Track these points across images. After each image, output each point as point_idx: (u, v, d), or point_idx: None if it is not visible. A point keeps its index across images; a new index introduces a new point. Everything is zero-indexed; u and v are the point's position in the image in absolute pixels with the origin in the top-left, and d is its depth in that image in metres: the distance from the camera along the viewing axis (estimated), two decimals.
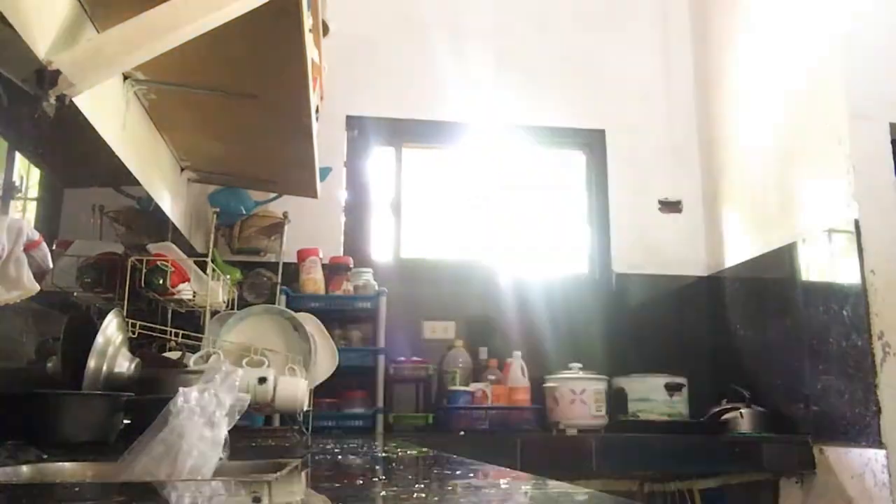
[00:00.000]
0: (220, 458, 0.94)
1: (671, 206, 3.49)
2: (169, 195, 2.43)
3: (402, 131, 3.43)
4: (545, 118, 3.48)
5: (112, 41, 1.34)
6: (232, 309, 2.28)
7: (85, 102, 1.55)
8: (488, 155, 3.52)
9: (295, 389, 1.71)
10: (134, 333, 1.59)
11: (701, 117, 3.55)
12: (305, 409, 1.77)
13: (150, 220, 2.26)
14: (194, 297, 2.02)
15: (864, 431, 2.38)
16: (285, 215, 2.82)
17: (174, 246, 2.08)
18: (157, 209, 2.28)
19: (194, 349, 1.83)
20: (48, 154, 1.47)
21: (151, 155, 2.24)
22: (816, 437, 2.60)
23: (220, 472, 0.94)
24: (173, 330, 1.82)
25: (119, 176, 1.93)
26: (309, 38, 1.76)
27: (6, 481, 0.92)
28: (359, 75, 3.31)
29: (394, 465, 1.25)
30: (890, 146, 2.54)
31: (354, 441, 1.96)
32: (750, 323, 3.09)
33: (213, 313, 2.07)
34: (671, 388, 2.95)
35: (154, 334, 1.75)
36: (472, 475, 0.98)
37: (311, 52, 1.83)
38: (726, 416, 2.81)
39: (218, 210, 2.49)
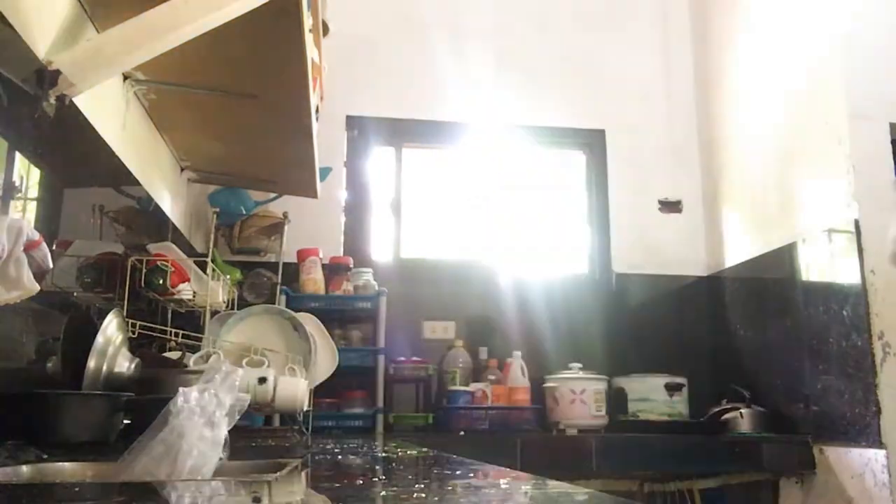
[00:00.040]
0: (220, 458, 0.94)
1: (671, 206, 3.49)
2: (169, 195, 2.43)
3: (402, 131, 3.43)
4: (545, 118, 3.48)
5: (112, 41, 1.34)
6: (232, 309, 2.28)
7: (85, 102, 1.55)
8: (488, 155, 3.52)
9: (295, 389, 1.71)
10: (134, 333, 1.59)
11: (701, 117, 3.55)
12: (305, 409, 1.77)
13: (150, 220, 2.26)
14: (194, 297, 2.02)
15: (864, 431, 2.38)
16: (285, 215, 2.82)
17: (174, 246, 2.08)
18: (157, 209, 2.28)
19: (194, 349, 1.83)
20: (48, 154, 1.47)
21: (151, 155, 2.24)
22: (816, 437, 2.60)
23: (220, 472, 0.94)
24: (173, 330, 1.82)
25: (119, 176, 1.93)
26: (309, 38, 1.76)
27: (6, 481, 0.92)
28: (359, 75, 3.31)
29: (394, 465, 1.25)
30: (890, 146, 2.54)
31: (354, 441, 1.96)
32: (750, 323, 3.09)
33: (213, 313, 2.07)
34: (671, 388, 2.95)
35: (154, 334, 1.75)
36: (472, 475, 0.97)
37: (311, 52, 1.83)
38: (726, 416, 2.81)
39: (218, 210, 2.50)
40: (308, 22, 1.73)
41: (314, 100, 2.07)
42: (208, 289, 2.06)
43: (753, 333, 3.06)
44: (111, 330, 1.41)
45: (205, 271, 2.11)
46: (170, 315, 2.06)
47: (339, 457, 1.38)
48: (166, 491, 0.80)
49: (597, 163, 3.51)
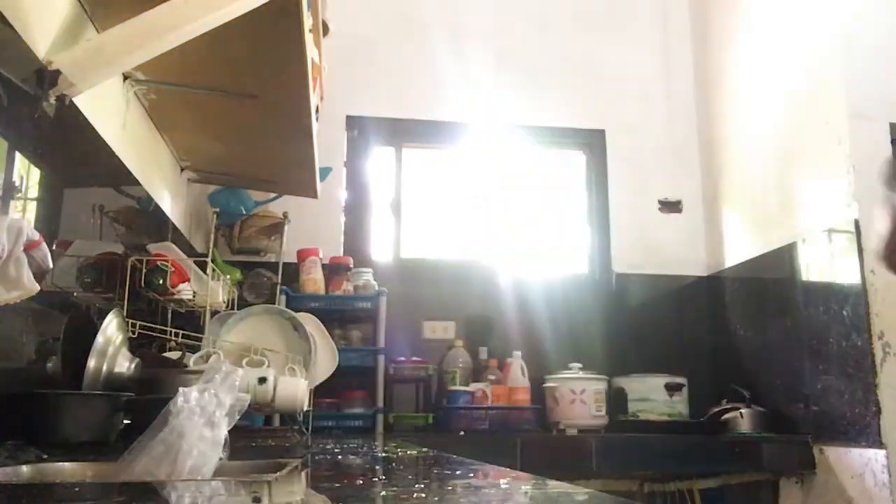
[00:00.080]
0: (220, 458, 0.94)
1: (671, 206, 3.49)
2: (169, 195, 2.43)
3: (402, 131, 3.43)
4: (545, 118, 3.48)
5: (112, 41, 1.34)
6: (232, 309, 2.28)
7: (85, 102, 1.55)
8: (488, 155, 3.52)
9: (295, 389, 1.71)
10: (134, 333, 1.59)
11: (701, 117, 3.55)
12: (305, 409, 1.77)
13: (150, 220, 2.26)
14: (194, 297, 2.02)
15: (864, 431, 2.38)
16: (285, 215, 2.82)
17: (174, 246, 2.08)
18: (157, 209, 2.28)
19: (194, 349, 1.83)
20: (48, 154, 1.47)
21: (151, 155, 2.24)
22: (816, 437, 2.60)
23: (220, 472, 0.94)
24: (173, 330, 1.82)
25: (119, 176, 1.93)
26: (309, 38, 1.76)
27: (6, 481, 0.92)
28: (359, 75, 3.31)
29: (394, 465, 1.25)
30: (890, 146, 2.53)
31: (354, 441, 1.96)
32: (750, 323, 3.09)
33: (213, 313, 2.07)
34: (671, 388, 2.95)
35: (154, 334, 1.75)
36: (472, 475, 0.97)
37: (311, 52, 1.83)
38: (726, 416, 2.81)
39: (218, 210, 2.50)
40: (308, 22, 1.73)
41: (314, 100, 2.07)
42: (208, 289, 2.06)
43: (753, 333, 3.06)
44: (111, 330, 1.41)
45: (205, 271, 2.11)
46: (170, 315, 2.06)
47: (339, 457, 1.38)
48: (166, 491, 0.80)
49: (597, 163, 3.51)
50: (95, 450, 1.17)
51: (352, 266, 2.99)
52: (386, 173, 3.44)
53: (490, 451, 2.39)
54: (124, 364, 1.43)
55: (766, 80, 3.03)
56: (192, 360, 1.72)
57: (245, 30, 1.55)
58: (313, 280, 2.88)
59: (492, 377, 2.96)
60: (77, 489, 0.90)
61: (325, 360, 2.15)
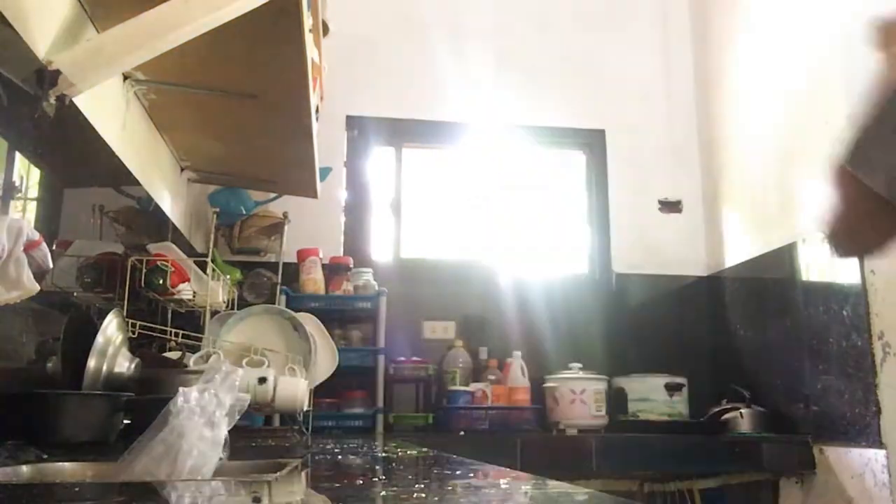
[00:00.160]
0: (220, 458, 0.94)
1: (671, 206, 3.49)
2: (169, 195, 2.43)
3: (402, 131, 3.43)
4: (545, 118, 3.48)
5: (112, 41, 1.34)
6: (232, 309, 2.28)
7: (85, 102, 1.55)
8: (488, 155, 3.52)
9: (295, 389, 1.71)
10: (134, 333, 1.59)
11: (701, 117, 3.55)
12: (305, 409, 1.77)
13: (150, 220, 2.26)
14: (194, 297, 2.02)
15: (864, 431, 2.38)
16: (285, 215, 2.82)
17: (174, 246, 2.08)
18: (157, 209, 2.28)
19: (194, 349, 1.83)
20: (48, 154, 1.47)
21: (151, 155, 2.24)
22: (816, 437, 2.60)
23: (220, 472, 0.94)
24: (173, 330, 1.82)
25: (119, 176, 1.93)
26: (309, 38, 1.76)
27: (6, 481, 0.92)
28: (359, 75, 3.31)
29: (394, 465, 1.25)
30: None
31: (354, 441, 1.96)
32: (750, 323, 3.09)
33: (213, 313, 2.07)
34: (671, 388, 2.95)
35: (154, 334, 1.75)
36: (472, 475, 0.97)
37: (311, 52, 1.83)
38: (726, 416, 2.81)
39: (218, 210, 2.50)
40: (308, 22, 1.73)
41: (314, 100, 2.07)
42: (208, 289, 2.06)
43: (753, 333, 3.06)
44: (111, 330, 1.41)
45: (205, 271, 2.11)
46: (170, 315, 2.06)
47: (339, 457, 1.38)
48: (166, 491, 0.80)
49: (597, 163, 3.51)
50: (95, 450, 1.17)
51: (352, 266, 2.99)
52: (386, 173, 3.44)
53: (490, 451, 2.39)
54: (124, 364, 1.43)
55: (766, 80, 3.03)
56: (192, 360, 1.72)
57: (245, 30, 1.55)
58: (313, 280, 2.88)
59: (492, 377, 2.96)
60: (77, 489, 0.90)
61: (325, 360, 2.15)
